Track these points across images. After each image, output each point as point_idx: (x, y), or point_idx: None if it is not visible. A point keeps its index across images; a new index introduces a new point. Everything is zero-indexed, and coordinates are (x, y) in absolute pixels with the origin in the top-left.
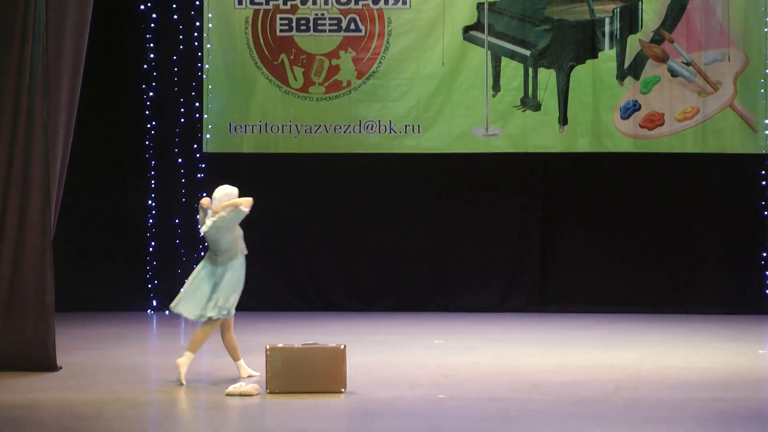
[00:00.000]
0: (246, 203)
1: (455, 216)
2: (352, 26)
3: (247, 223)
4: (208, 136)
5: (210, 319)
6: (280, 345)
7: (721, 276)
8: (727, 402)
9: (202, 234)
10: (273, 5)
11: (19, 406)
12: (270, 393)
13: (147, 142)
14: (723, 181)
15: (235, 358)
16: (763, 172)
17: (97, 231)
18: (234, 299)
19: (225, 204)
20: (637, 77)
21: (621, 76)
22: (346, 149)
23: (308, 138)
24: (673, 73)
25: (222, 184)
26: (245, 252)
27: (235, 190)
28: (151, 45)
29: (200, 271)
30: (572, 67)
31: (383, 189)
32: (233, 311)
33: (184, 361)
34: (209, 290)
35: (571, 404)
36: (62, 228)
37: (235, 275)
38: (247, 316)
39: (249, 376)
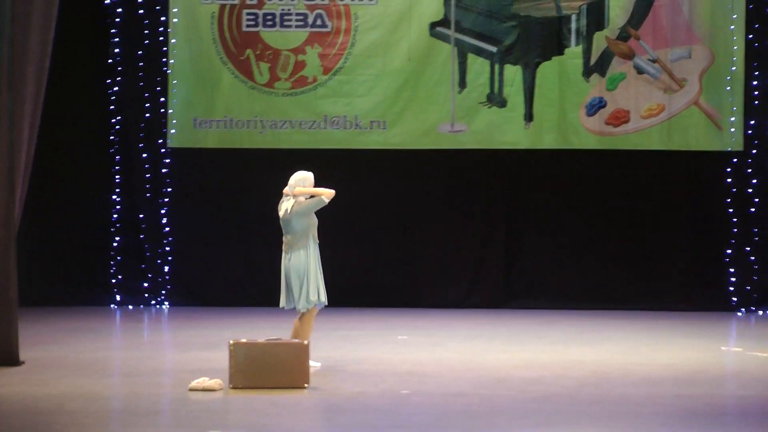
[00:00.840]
0: (328, 194)
1: (420, 212)
2: (319, 22)
3: (211, 219)
4: (172, 131)
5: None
6: (244, 340)
7: (685, 273)
8: (690, 398)
9: (281, 217)
10: (239, 0)
11: None
12: (233, 388)
13: (112, 137)
14: (688, 178)
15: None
16: (728, 169)
17: (61, 225)
18: (315, 289)
19: (307, 190)
20: (603, 74)
21: (587, 72)
22: (311, 145)
23: (273, 133)
24: (639, 70)
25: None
26: (317, 241)
27: (310, 175)
28: (117, 39)
29: (283, 264)
30: (538, 64)
31: (349, 185)
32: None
33: None
34: (297, 282)
35: (534, 400)
36: (26, 222)
37: (303, 263)
38: (212, 311)
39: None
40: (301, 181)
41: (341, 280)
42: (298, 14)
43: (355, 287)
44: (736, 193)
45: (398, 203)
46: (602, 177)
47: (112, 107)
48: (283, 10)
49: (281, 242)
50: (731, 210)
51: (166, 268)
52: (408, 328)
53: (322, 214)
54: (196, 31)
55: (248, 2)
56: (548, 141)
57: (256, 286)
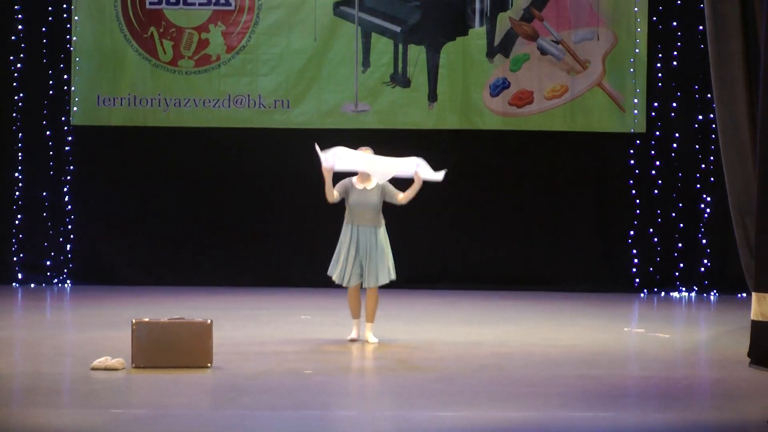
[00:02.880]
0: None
1: (323, 191)
2: (222, 0)
3: (114, 197)
4: (75, 108)
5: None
6: (146, 319)
7: (588, 254)
8: (592, 379)
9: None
10: None
11: None
12: (135, 368)
13: (14, 114)
14: (591, 159)
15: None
16: (631, 151)
17: None
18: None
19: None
20: (506, 55)
21: (491, 53)
22: (215, 123)
23: (177, 112)
24: (543, 52)
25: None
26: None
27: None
28: (20, 16)
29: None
30: (442, 44)
31: (253, 164)
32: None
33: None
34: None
35: (436, 381)
36: None
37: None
38: (115, 289)
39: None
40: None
41: (243, 259)
42: None
43: (257, 266)
44: (639, 174)
45: (300, 182)
46: (506, 158)
47: (15, 84)
48: None
49: (185, 219)
50: (634, 192)
51: (69, 246)
52: (311, 308)
53: (236, 194)
54: (98, 9)
55: None
56: (452, 121)
57: (160, 265)
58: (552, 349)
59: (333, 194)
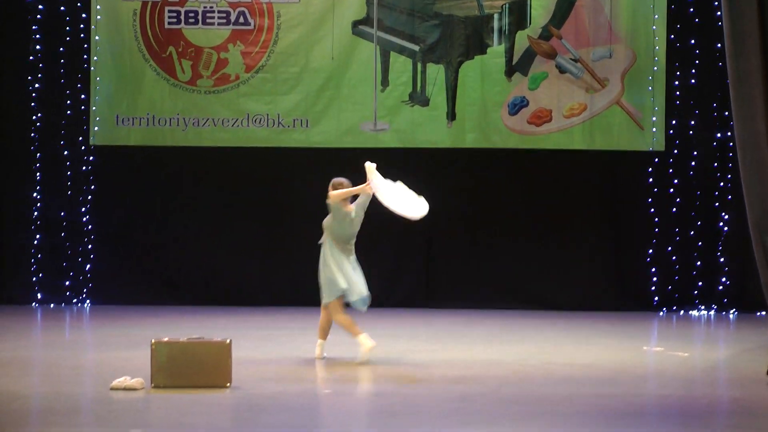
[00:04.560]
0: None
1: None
2: (241, 20)
3: (133, 217)
4: (95, 128)
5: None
6: (166, 339)
7: (607, 273)
8: (611, 398)
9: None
10: None
11: None
12: (155, 387)
13: (33, 134)
14: (610, 177)
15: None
16: (650, 169)
17: None
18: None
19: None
20: (525, 73)
21: (509, 72)
22: (234, 143)
23: (196, 131)
24: (561, 70)
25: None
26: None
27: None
28: (38, 36)
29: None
30: (461, 63)
31: (271, 183)
32: None
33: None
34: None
35: (455, 400)
36: None
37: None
38: (134, 309)
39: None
40: (338, 185)
41: (263, 279)
42: (220, 12)
43: (276, 286)
44: (658, 193)
45: (319, 202)
46: (525, 176)
47: (33, 105)
48: (205, 7)
49: (204, 239)
50: (653, 210)
51: (88, 267)
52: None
53: (255, 213)
54: (118, 28)
55: (170, 0)
56: (470, 140)
57: (179, 285)
58: (571, 368)
59: (349, 206)
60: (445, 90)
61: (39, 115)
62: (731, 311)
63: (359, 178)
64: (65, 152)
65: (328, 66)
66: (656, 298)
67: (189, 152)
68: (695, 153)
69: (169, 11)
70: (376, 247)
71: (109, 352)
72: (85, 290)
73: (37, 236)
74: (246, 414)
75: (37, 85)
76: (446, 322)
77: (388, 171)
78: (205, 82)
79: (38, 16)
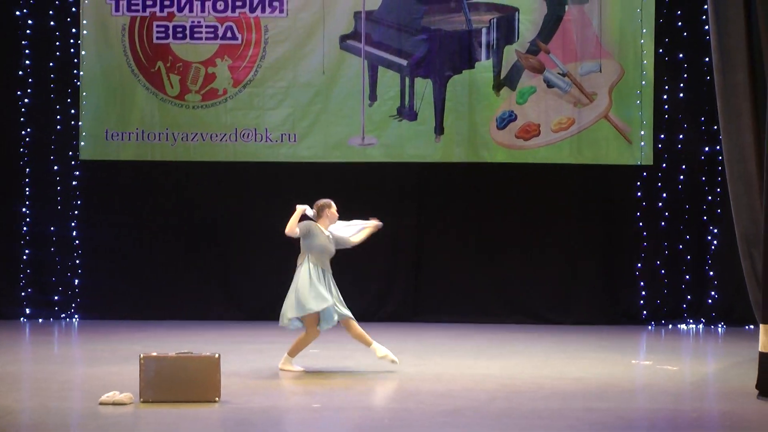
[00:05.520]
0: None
1: None
2: (229, 34)
3: (121, 232)
4: (83, 143)
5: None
6: (154, 353)
7: (595, 287)
8: (600, 412)
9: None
10: (150, 12)
11: None
12: (143, 402)
13: (22, 149)
14: (598, 191)
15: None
16: (639, 183)
17: None
18: None
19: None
20: (513, 88)
21: (497, 86)
22: (222, 157)
23: (185, 146)
24: (549, 84)
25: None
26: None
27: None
28: (27, 51)
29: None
30: (449, 77)
31: (260, 197)
32: None
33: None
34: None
35: (446, 413)
36: None
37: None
38: (123, 324)
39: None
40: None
41: (251, 293)
42: (208, 26)
43: (265, 300)
44: (647, 207)
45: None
46: (513, 190)
47: (22, 119)
48: (193, 22)
49: (193, 253)
50: (641, 224)
51: (76, 281)
52: (318, 342)
53: (243, 227)
54: (106, 44)
55: (158, 14)
56: (459, 154)
57: (167, 300)
58: (560, 382)
59: (295, 230)
60: (433, 104)
61: (28, 129)
62: (720, 325)
63: (346, 192)
64: (54, 167)
65: (315, 80)
66: (645, 312)
67: (177, 167)
68: (684, 167)
69: (158, 26)
70: (366, 261)
71: (97, 366)
72: (73, 305)
73: (26, 251)
74: (235, 428)
75: (26, 100)
76: (435, 336)
77: (373, 185)
78: (194, 97)
79: (28, 31)
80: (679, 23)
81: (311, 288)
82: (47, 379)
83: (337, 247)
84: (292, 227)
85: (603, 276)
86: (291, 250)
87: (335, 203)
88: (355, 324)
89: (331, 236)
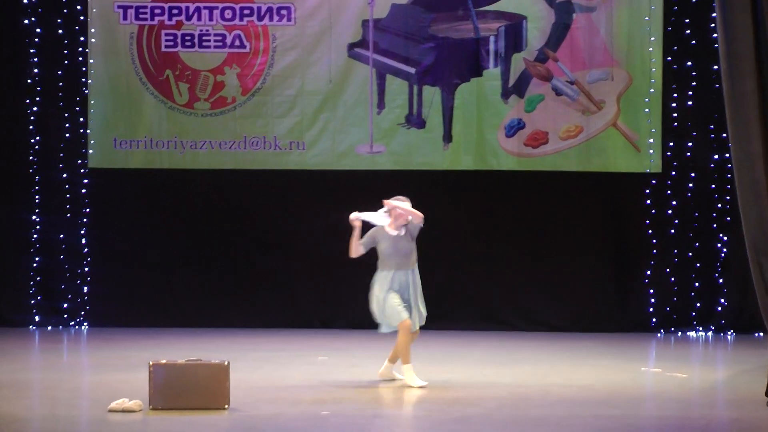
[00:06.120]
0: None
1: (339, 232)
2: (237, 42)
3: (130, 239)
4: (91, 151)
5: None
6: (164, 361)
7: (604, 294)
8: (609, 419)
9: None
10: (158, 21)
11: None
12: (153, 409)
13: (31, 157)
14: (607, 199)
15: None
16: (647, 191)
17: None
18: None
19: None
20: (521, 96)
21: (505, 94)
22: (231, 165)
23: (193, 154)
24: (557, 92)
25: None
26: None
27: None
28: (36, 60)
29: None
30: (457, 85)
31: (268, 205)
32: None
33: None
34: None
35: (454, 421)
36: None
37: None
38: (132, 332)
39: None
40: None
41: (260, 300)
42: (216, 35)
43: (274, 308)
44: (655, 214)
45: (316, 224)
46: (521, 198)
47: (31, 128)
48: (201, 30)
49: (202, 261)
50: (650, 231)
51: (86, 289)
52: (327, 349)
53: (252, 236)
54: (114, 52)
55: (167, 23)
56: (467, 162)
57: (176, 307)
58: (569, 389)
59: (360, 250)
60: (441, 112)
61: (37, 138)
62: (729, 332)
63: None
64: (63, 175)
65: (323, 88)
66: (654, 320)
67: (186, 175)
68: (693, 174)
69: (166, 34)
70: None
71: (107, 374)
72: (82, 312)
73: (35, 259)
74: None
75: (35, 108)
76: (443, 343)
77: (381, 193)
78: (202, 105)
79: (36, 40)
80: (687, 31)
81: (382, 304)
82: (56, 387)
83: (415, 234)
84: (355, 248)
85: (612, 283)
86: (296, 258)
87: (344, 211)
88: (408, 333)
89: (401, 233)
